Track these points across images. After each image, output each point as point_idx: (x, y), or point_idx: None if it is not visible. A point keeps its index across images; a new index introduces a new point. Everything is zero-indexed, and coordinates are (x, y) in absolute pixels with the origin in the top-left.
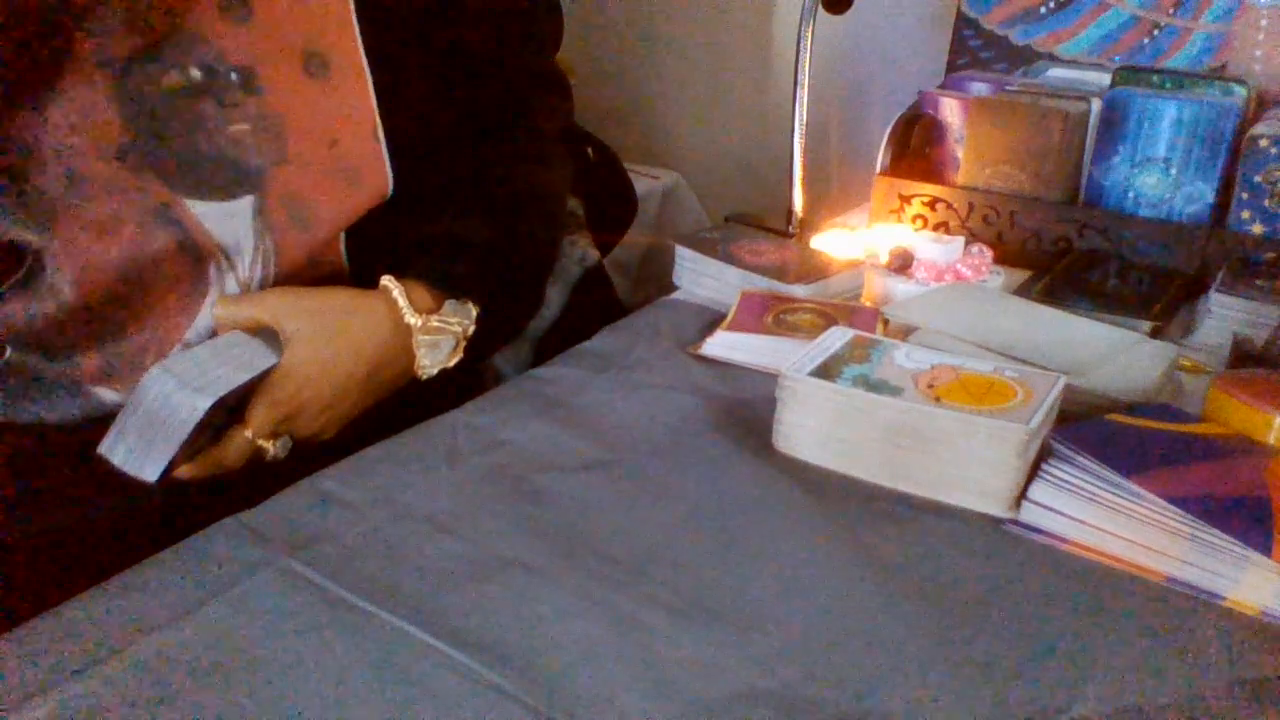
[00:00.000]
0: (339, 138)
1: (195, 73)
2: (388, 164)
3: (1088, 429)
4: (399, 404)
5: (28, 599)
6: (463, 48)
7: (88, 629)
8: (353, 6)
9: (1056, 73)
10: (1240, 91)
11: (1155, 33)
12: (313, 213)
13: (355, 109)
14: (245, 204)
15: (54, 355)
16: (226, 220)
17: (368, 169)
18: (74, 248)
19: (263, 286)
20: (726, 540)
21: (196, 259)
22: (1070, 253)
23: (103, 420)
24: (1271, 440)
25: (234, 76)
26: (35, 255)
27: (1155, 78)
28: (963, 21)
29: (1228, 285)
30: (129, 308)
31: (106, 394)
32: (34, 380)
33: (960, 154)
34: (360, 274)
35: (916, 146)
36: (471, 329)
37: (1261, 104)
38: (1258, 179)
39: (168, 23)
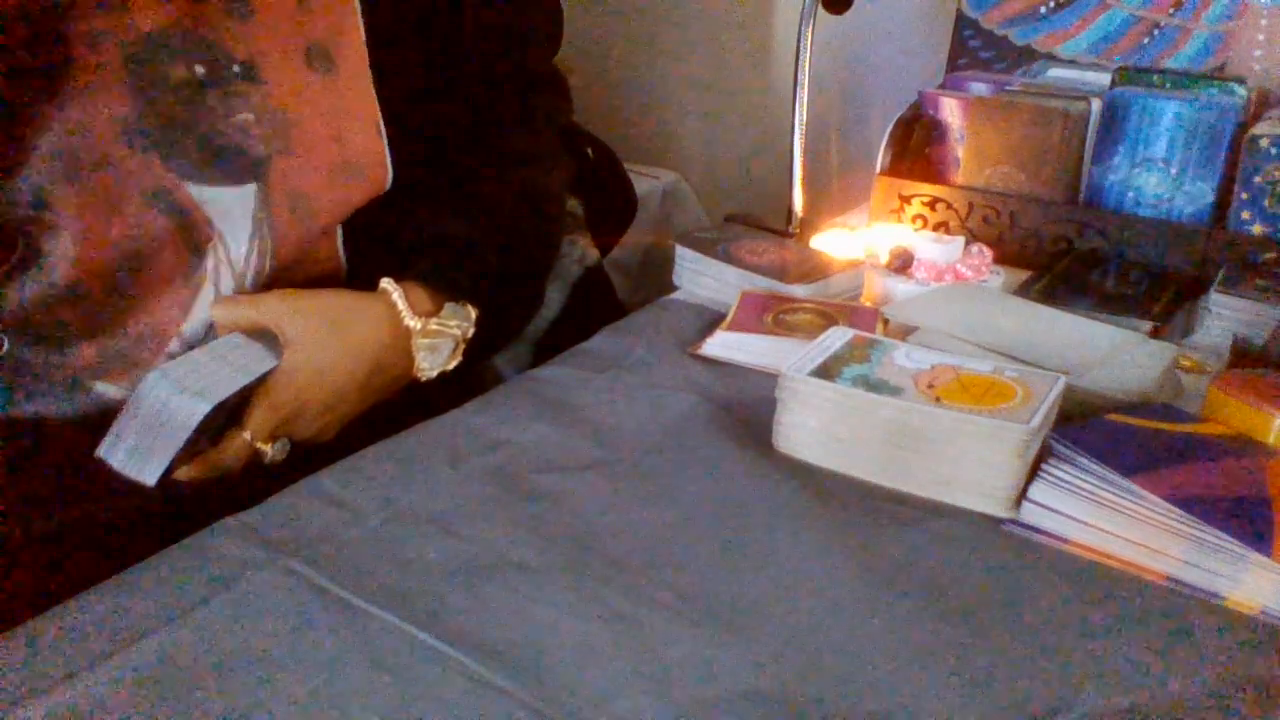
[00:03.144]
0: (343, 133)
1: (200, 69)
2: (389, 159)
3: (1088, 429)
4: (399, 404)
5: (28, 599)
6: (462, 47)
7: (88, 629)
8: (357, 2)
9: (1056, 73)
10: (1240, 91)
11: (1155, 33)
12: (313, 205)
13: (359, 104)
14: (248, 191)
15: (50, 345)
16: (228, 206)
17: (369, 164)
18: (73, 224)
19: (259, 278)
20: (726, 540)
21: (195, 247)
22: (1070, 253)
23: (102, 416)
24: (1271, 440)
25: (236, 69)
26: (32, 237)
27: (1155, 78)
28: (963, 21)
29: (1228, 285)
30: (125, 295)
31: (105, 389)
32: (33, 375)
33: (960, 154)
34: (358, 274)
35: (916, 146)
36: (470, 331)
37: (1261, 104)
38: (1258, 179)
39: (172, 18)
